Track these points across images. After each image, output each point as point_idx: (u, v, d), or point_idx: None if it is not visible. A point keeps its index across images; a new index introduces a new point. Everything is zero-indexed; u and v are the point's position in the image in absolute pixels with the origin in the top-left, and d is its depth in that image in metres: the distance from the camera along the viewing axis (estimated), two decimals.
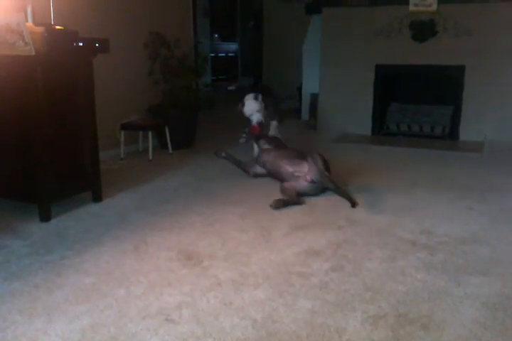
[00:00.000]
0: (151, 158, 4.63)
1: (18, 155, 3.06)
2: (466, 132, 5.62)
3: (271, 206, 3.26)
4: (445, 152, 5.11)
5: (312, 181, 3.48)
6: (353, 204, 3.30)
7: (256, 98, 4.11)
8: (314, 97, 6.59)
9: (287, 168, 3.63)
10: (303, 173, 3.52)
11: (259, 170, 4.00)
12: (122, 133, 4.62)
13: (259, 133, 4.19)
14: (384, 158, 4.83)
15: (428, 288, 2.20)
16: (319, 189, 3.53)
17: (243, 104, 4.16)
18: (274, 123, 4.28)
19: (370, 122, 6.02)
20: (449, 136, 5.71)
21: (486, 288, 2.20)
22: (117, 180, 3.90)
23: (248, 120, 4.32)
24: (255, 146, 4.28)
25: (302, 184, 3.50)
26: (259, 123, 4.04)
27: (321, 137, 5.80)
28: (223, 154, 4.17)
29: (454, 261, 2.49)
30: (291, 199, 3.37)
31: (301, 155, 3.74)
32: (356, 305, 2.06)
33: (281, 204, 3.28)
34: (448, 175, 4.17)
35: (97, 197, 3.41)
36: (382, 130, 6.02)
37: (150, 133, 4.62)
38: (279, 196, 3.43)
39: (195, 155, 4.89)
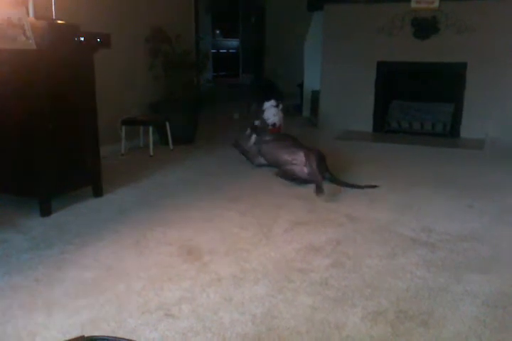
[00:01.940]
0: (151, 153, 4.63)
1: (19, 149, 3.05)
2: (467, 130, 5.62)
3: (276, 174, 3.69)
4: (446, 149, 5.11)
5: (309, 173, 3.69)
6: (359, 186, 3.49)
7: (277, 105, 4.56)
8: (315, 94, 6.58)
9: (285, 156, 3.88)
10: (300, 161, 3.74)
11: (262, 161, 4.26)
12: (123, 128, 4.61)
13: (257, 128, 4.61)
14: (385, 156, 4.83)
15: (428, 285, 2.20)
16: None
17: (263, 110, 4.58)
18: (253, 137, 4.47)
19: (372, 119, 6.02)
20: (450, 134, 5.71)
21: (486, 286, 2.20)
22: (118, 176, 3.90)
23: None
24: (252, 138, 4.47)
25: (300, 170, 3.73)
26: (273, 125, 4.52)
27: (322, 134, 5.80)
28: (235, 143, 4.56)
29: (454, 258, 2.49)
30: (296, 177, 3.71)
31: (297, 144, 4.01)
32: (356, 301, 2.06)
33: (287, 176, 3.70)
34: (448, 172, 4.17)
35: (98, 192, 3.41)
36: (383, 127, 6.01)
37: (151, 129, 4.62)
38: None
39: (195, 151, 4.88)
